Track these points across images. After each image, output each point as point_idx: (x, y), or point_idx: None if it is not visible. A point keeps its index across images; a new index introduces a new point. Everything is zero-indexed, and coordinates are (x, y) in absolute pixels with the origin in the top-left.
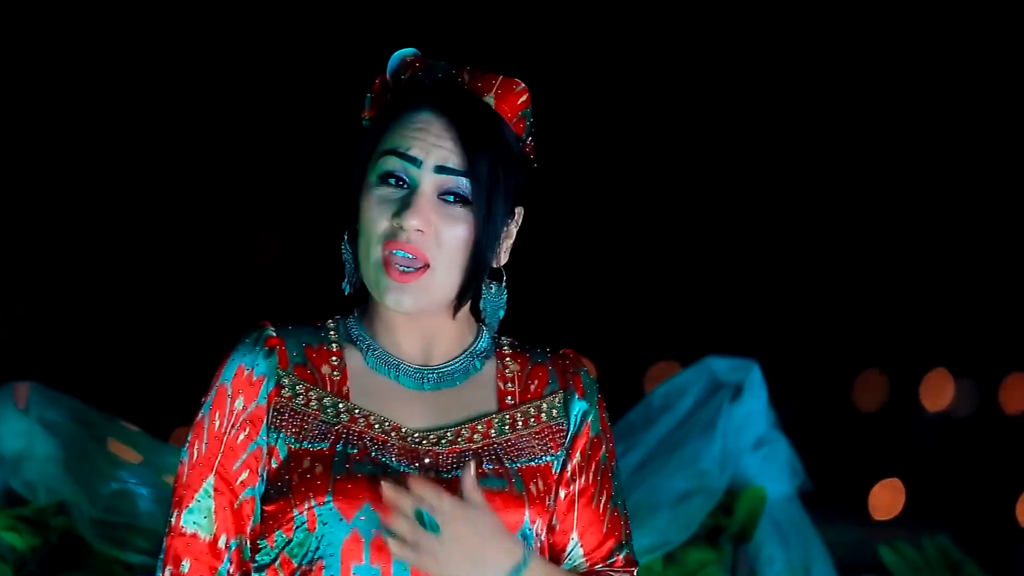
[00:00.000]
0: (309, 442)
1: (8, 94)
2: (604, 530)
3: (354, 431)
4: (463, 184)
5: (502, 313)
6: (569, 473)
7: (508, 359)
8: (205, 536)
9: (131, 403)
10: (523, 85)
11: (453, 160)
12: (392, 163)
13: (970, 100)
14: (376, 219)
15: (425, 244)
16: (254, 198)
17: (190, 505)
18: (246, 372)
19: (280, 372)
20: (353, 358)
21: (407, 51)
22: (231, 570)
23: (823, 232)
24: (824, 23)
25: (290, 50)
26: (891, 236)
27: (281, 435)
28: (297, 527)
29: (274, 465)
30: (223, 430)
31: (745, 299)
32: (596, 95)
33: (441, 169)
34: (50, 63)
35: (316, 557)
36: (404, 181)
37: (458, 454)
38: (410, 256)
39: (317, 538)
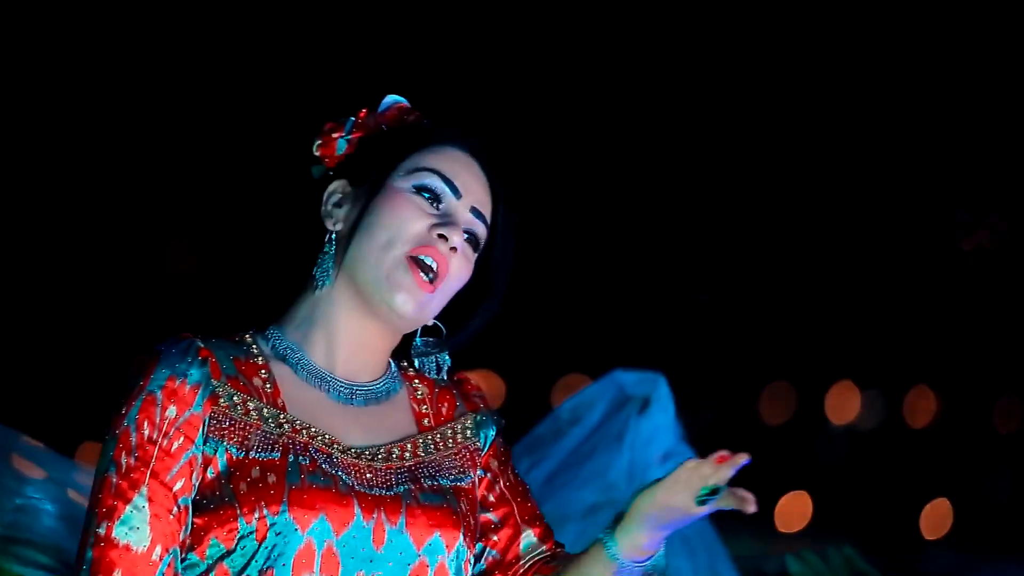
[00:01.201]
0: (256, 452)
1: None
2: (546, 520)
3: (299, 442)
4: (481, 231)
5: (448, 361)
6: (491, 477)
7: (416, 381)
8: (138, 548)
9: (35, 418)
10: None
11: (484, 208)
12: (435, 181)
13: (880, 118)
14: (409, 221)
15: (451, 264)
16: (163, 207)
17: (123, 515)
18: (178, 381)
19: (215, 383)
20: (280, 371)
21: (398, 98)
22: None
23: (729, 245)
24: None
25: (205, 58)
26: (797, 249)
27: (222, 444)
28: (243, 536)
29: (210, 475)
30: (155, 439)
31: (652, 312)
32: (495, 112)
33: (474, 211)
34: None
35: (265, 567)
36: (439, 203)
37: (393, 471)
38: (436, 267)
39: (267, 548)
